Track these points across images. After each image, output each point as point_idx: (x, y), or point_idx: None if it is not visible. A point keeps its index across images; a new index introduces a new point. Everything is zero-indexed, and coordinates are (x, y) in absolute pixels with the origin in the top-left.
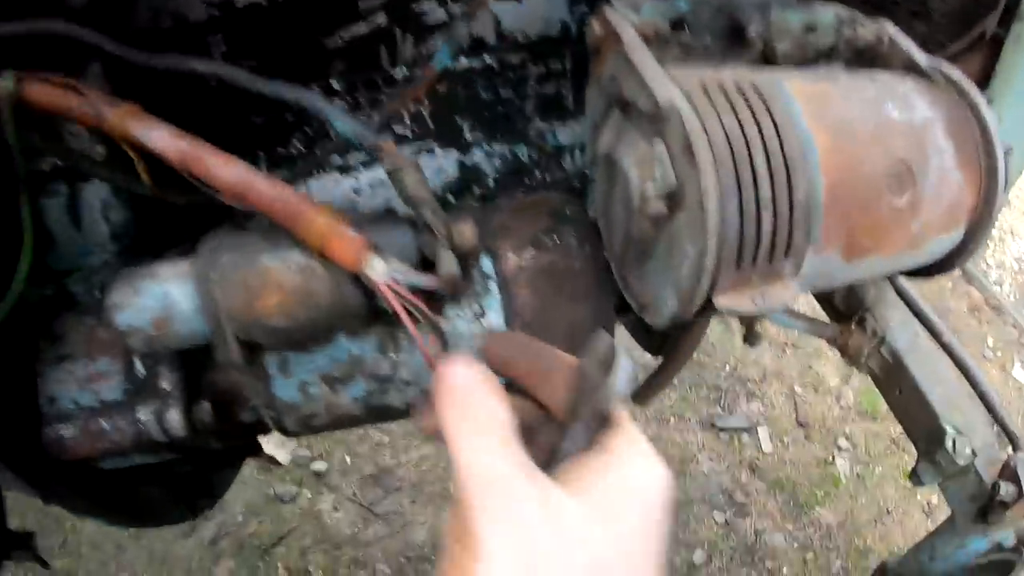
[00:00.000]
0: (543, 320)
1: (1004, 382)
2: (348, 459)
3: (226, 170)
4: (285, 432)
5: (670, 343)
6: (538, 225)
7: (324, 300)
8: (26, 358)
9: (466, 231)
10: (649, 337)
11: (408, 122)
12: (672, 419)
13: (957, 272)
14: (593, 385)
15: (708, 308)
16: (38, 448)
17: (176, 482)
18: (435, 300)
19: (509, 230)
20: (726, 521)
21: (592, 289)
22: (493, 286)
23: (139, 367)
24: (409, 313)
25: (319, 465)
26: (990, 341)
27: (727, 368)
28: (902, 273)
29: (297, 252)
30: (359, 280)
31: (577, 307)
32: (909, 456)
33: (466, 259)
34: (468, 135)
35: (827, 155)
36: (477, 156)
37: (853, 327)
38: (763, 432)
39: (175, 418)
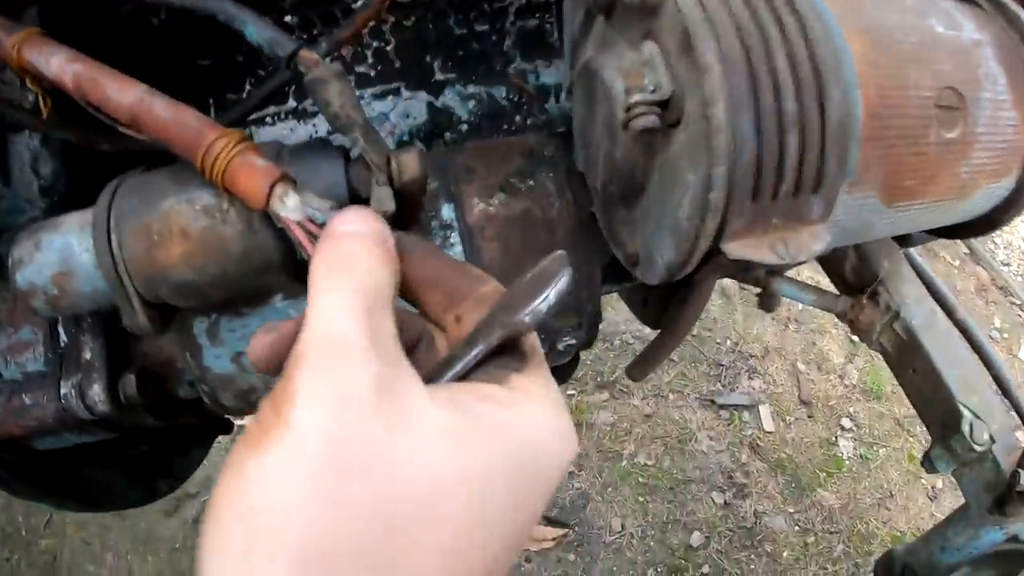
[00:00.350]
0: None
1: (1011, 364)
2: None
3: (122, 93)
4: (224, 410)
5: (669, 313)
6: (510, 167)
7: (235, 247)
8: None
9: (408, 161)
10: (646, 307)
11: (370, 60)
12: (670, 395)
13: (964, 250)
14: (512, 304)
15: (714, 259)
16: None
17: (130, 463)
18: None
19: (474, 172)
20: (725, 502)
21: (574, 244)
22: (455, 237)
23: (63, 336)
24: None
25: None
26: (997, 322)
27: (728, 343)
28: (935, 232)
29: (207, 192)
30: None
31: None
32: (914, 439)
33: (410, 197)
34: (439, 74)
35: (865, 66)
36: (449, 98)
37: (865, 301)
38: (764, 410)
39: (97, 392)
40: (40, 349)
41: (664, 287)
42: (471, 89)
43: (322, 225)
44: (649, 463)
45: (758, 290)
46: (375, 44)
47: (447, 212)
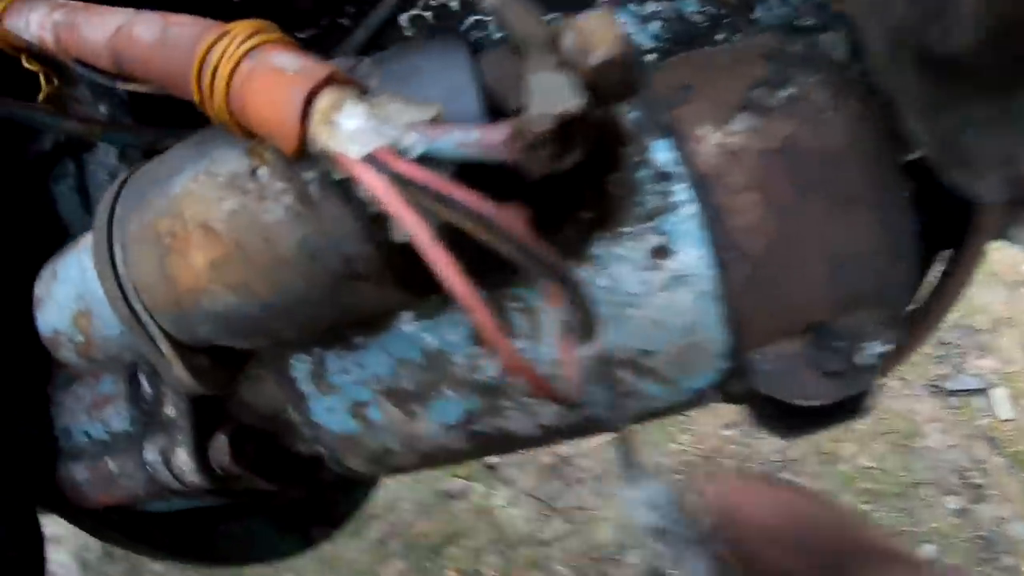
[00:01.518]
0: (786, 252)
1: None
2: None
3: (98, 29)
4: (355, 477)
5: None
6: (748, 76)
7: (285, 239)
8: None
9: (598, 27)
10: None
11: None
12: (892, 384)
13: None
14: None
15: None
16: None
17: (279, 510)
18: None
19: (696, 91)
20: (960, 508)
21: (873, 180)
22: (681, 192)
23: (145, 385)
24: (465, 250)
25: (491, 457)
26: None
27: (950, 318)
28: None
29: (232, 153)
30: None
31: (848, 218)
32: None
33: (606, 107)
34: None
35: None
36: (623, 22)
37: None
38: (999, 394)
39: (183, 460)
40: (122, 404)
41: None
42: (650, 8)
43: (426, 160)
44: (872, 465)
45: None
46: None
47: (662, 153)
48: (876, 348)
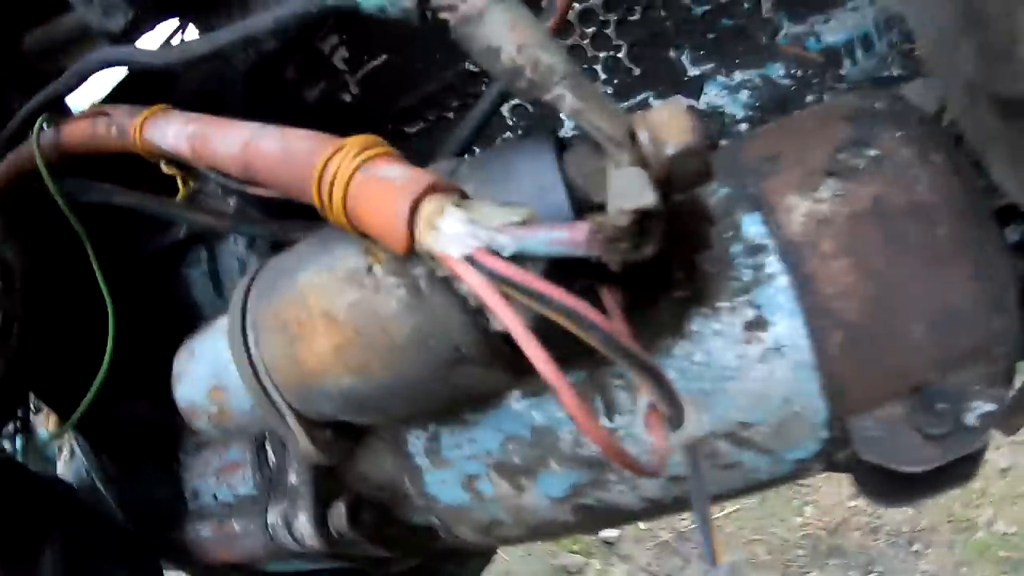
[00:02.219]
0: (881, 314)
1: None
2: (641, 523)
3: (228, 141)
4: (467, 548)
5: None
6: (834, 139)
7: (399, 329)
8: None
9: (674, 120)
10: None
11: (602, 75)
12: None
13: None
14: None
15: None
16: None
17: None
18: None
19: (782, 161)
20: None
21: (966, 232)
22: (773, 263)
23: (271, 455)
24: (560, 337)
25: (610, 532)
26: None
27: None
28: None
29: (351, 251)
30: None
31: (943, 273)
32: None
33: (686, 192)
34: (692, 69)
35: None
36: (713, 94)
37: None
38: None
39: (303, 524)
40: (249, 471)
41: None
42: (738, 76)
43: (520, 258)
44: (1010, 531)
45: None
46: (602, 55)
47: (752, 227)
48: (982, 408)
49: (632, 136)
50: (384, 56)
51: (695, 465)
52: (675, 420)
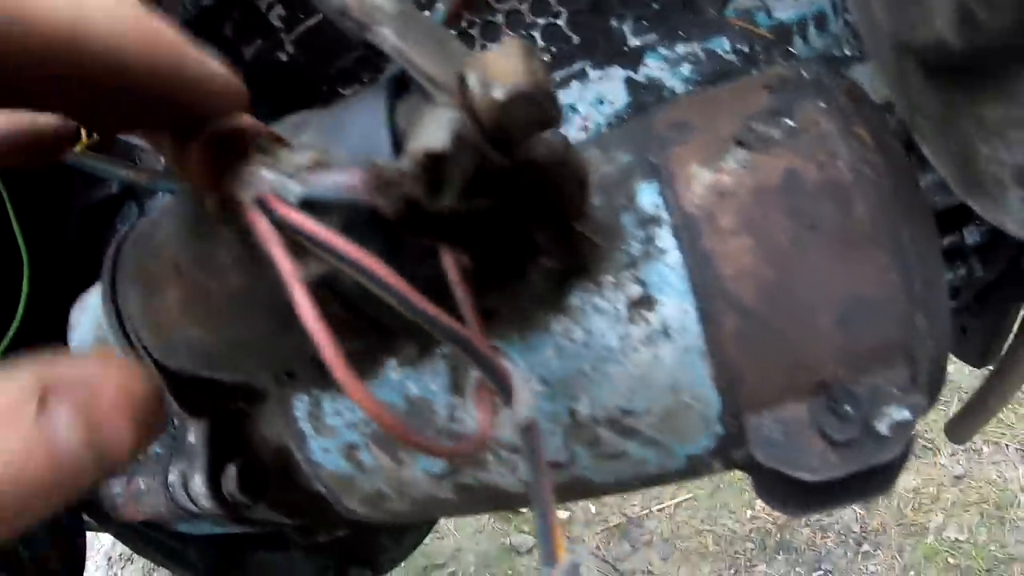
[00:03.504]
0: (784, 300)
1: None
2: (592, 507)
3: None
4: (356, 521)
5: (1001, 348)
6: (749, 106)
7: (235, 283)
8: None
9: (502, 61)
10: (964, 338)
11: (540, 42)
12: (984, 448)
13: None
14: None
15: None
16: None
17: (321, 547)
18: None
19: (689, 129)
20: None
21: (892, 222)
22: (665, 238)
23: (173, 412)
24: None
25: (560, 514)
26: None
27: None
28: None
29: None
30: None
31: (858, 260)
32: None
33: (531, 151)
34: (633, 39)
35: None
36: (653, 67)
37: None
38: None
39: (198, 484)
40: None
41: (992, 314)
42: (681, 49)
43: (308, 205)
44: (961, 538)
45: None
46: (541, 21)
47: (647, 197)
48: (896, 415)
49: (461, 80)
50: (320, 15)
51: (530, 449)
52: (503, 398)
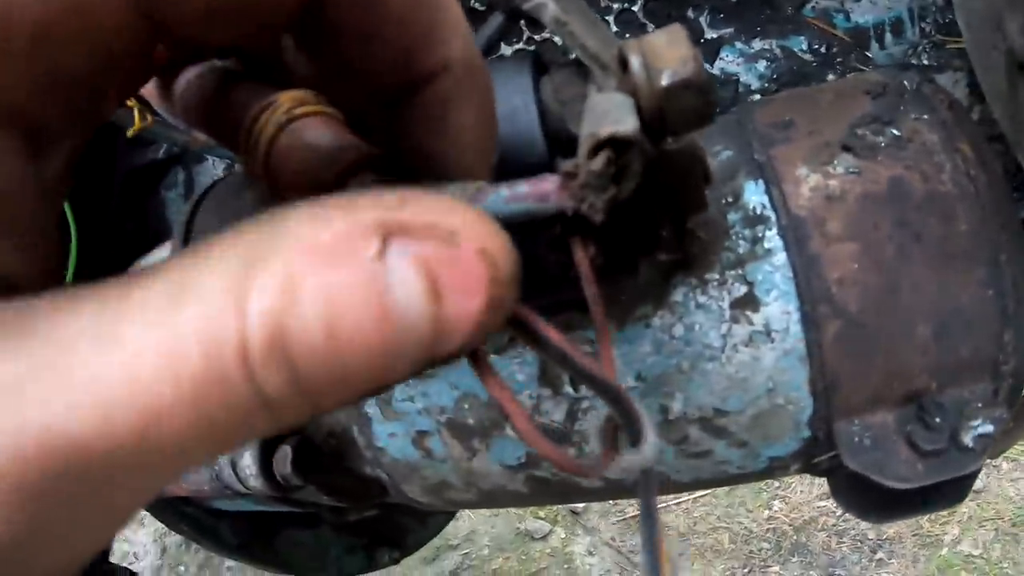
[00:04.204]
0: (885, 310)
1: None
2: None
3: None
4: (413, 503)
5: None
6: (853, 111)
7: None
8: None
9: (668, 47)
10: None
11: (614, 26)
12: (1003, 465)
13: None
14: None
15: None
16: None
17: (350, 526)
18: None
19: (793, 128)
20: None
21: (988, 232)
22: (772, 238)
23: None
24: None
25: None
26: None
27: None
28: None
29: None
30: None
31: (958, 275)
32: None
33: (678, 139)
34: (709, 32)
35: None
36: (729, 61)
37: None
38: None
39: (248, 465)
40: None
41: None
42: (757, 45)
43: None
44: (975, 552)
45: None
46: (616, 6)
47: (754, 195)
48: (981, 427)
49: (622, 62)
50: None
51: (646, 494)
52: (632, 440)
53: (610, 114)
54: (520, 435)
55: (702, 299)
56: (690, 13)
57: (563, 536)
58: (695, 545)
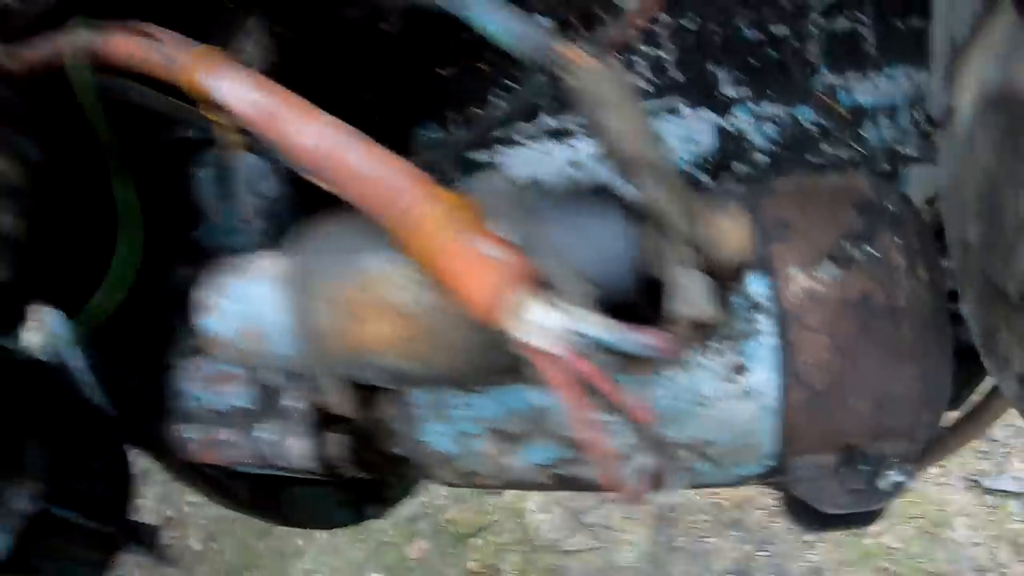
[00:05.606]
0: (840, 387)
1: None
2: None
3: (305, 130)
4: (440, 482)
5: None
6: (840, 223)
7: (460, 341)
8: (161, 342)
9: (734, 232)
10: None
11: (647, 72)
12: (934, 470)
13: None
14: None
15: None
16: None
17: (342, 484)
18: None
19: (793, 230)
20: None
21: (924, 346)
22: (765, 323)
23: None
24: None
25: None
26: None
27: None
28: None
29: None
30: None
31: (897, 368)
32: None
33: (729, 282)
34: (728, 90)
35: None
36: (740, 120)
37: None
38: None
39: (295, 445)
40: (243, 386)
41: (969, 366)
42: (768, 109)
43: (595, 347)
44: (895, 546)
45: None
46: (650, 52)
47: (757, 286)
48: (894, 477)
49: (702, 227)
50: None
51: (664, 520)
52: (657, 485)
53: (695, 295)
54: (601, 472)
55: (703, 360)
56: (713, 68)
57: (518, 492)
58: (641, 511)
